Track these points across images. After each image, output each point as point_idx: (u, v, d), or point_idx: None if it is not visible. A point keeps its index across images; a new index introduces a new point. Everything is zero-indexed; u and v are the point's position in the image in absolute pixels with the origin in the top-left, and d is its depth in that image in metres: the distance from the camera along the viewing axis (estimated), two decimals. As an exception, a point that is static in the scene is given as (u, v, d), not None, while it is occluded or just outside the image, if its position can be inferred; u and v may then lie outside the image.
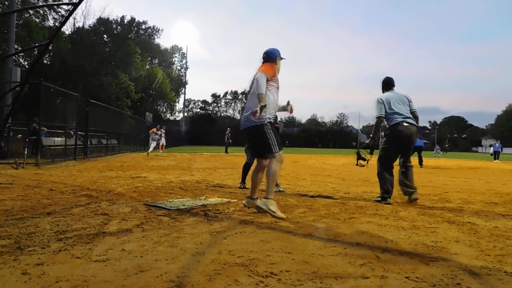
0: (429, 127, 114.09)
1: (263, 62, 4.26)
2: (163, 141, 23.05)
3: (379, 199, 5.19)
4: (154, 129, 21.29)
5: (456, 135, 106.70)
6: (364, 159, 5.73)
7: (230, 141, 25.93)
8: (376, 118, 5.31)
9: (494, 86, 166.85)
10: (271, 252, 2.66)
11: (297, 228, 3.47)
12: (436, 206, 4.96)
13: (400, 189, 5.20)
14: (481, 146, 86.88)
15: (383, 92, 5.56)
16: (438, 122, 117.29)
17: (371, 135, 5.58)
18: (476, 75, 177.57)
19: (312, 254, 2.64)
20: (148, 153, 19.70)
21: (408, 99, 5.36)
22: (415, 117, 5.30)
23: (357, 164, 5.83)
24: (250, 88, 4.18)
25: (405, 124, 5.13)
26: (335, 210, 4.46)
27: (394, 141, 5.21)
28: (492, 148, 28.17)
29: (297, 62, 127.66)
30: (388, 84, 5.56)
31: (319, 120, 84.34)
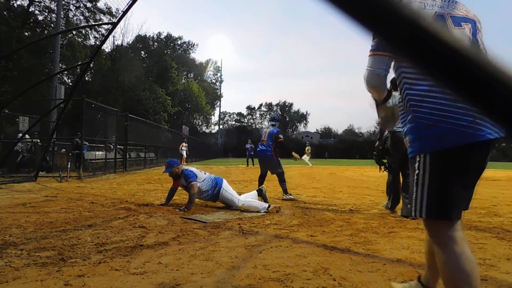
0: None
1: None
2: (184, 153, 23.54)
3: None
4: None
5: (504, 144, 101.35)
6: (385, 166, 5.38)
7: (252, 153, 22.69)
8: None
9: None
10: (307, 267, 2.60)
11: (334, 242, 3.39)
12: (483, 220, 4.67)
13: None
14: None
15: None
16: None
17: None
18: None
19: (349, 270, 2.56)
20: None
21: None
22: None
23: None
24: None
25: None
26: (374, 224, 4.32)
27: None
28: None
29: (336, 70, 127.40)
30: None
31: (356, 130, 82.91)
